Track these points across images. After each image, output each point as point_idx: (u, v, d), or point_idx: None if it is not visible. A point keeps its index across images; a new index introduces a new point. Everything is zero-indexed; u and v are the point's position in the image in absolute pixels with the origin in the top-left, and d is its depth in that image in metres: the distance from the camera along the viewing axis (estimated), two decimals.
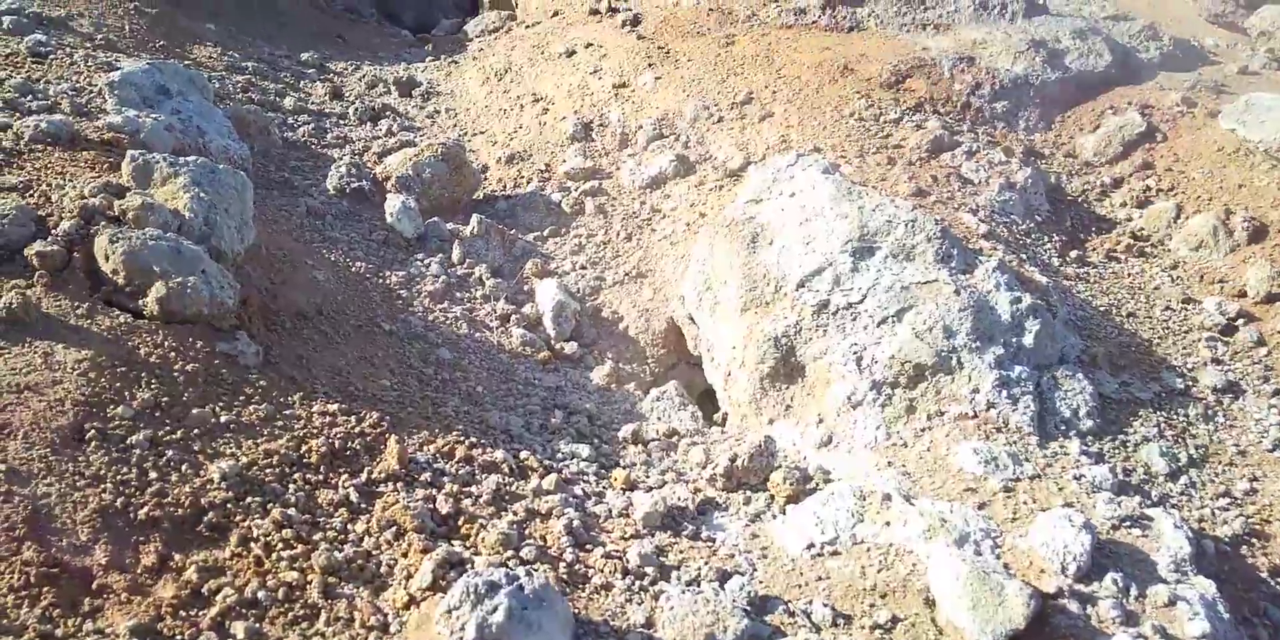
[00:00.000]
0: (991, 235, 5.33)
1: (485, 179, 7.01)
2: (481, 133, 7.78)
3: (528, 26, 9.76)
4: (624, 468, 4.19)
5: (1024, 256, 5.31)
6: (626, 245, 6.16)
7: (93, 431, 2.97)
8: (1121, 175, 6.50)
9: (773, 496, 4.01)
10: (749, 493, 4.05)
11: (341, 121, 7.81)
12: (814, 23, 7.97)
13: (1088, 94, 7.27)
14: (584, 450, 4.19)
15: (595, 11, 9.06)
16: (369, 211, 6.21)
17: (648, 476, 4.15)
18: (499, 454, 3.77)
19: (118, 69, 6.09)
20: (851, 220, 4.68)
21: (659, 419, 4.81)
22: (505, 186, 6.95)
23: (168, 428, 3.16)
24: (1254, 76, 7.65)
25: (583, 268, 6.00)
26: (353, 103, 8.17)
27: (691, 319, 5.43)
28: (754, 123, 6.82)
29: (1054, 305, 4.77)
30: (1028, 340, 4.35)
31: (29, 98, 5.20)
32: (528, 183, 6.92)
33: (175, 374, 3.41)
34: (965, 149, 6.16)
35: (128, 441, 3.01)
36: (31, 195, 4.05)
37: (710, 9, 8.35)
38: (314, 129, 7.40)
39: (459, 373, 4.64)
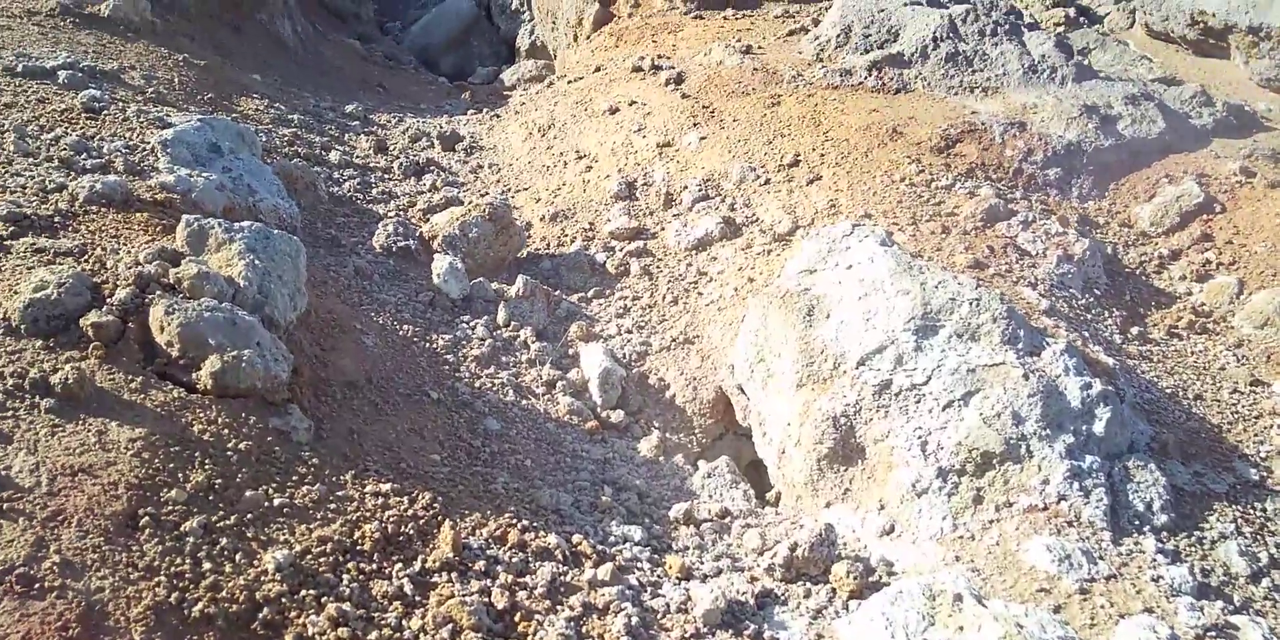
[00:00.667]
0: (1053, 311, 5.19)
1: (529, 237, 6.97)
2: (525, 189, 7.76)
3: (570, 82, 9.82)
4: (678, 552, 4.04)
5: (1086, 334, 5.17)
6: (673, 309, 6.07)
7: (146, 518, 2.87)
8: (1180, 247, 6.37)
9: (835, 590, 3.84)
10: (809, 584, 3.88)
11: (386, 176, 7.83)
12: (860, 84, 7.95)
13: (1141, 161, 7.16)
14: (636, 533, 4.04)
15: (638, 69, 9.10)
16: (415, 270, 6.16)
17: (702, 563, 3.99)
18: (552, 539, 3.64)
19: (169, 125, 6.14)
20: (914, 297, 4.57)
21: (710, 497, 4.66)
22: (549, 245, 6.90)
23: (221, 512, 3.06)
24: None
25: (628, 332, 5.90)
26: (397, 157, 8.20)
27: (741, 389, 5.31)
28: (801, 186, 6.76)
29: (1122, 389, 4.61)
30: (1098, 428, 4.19)
31: (84, 156, 5.21)
32: (571, 241, 6.87)
33: (228, 453, 3.32)
34: (1021, 218, 6.06)
35: (181, 528, 2.91)
36: (86, 261, 4.02)
37: (755, 69, 8.37)
38: (359, 184, 7.42)
39: (507, 444, 4.53)
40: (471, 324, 5.65)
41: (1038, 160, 6.92)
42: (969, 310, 4.51)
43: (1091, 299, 5.69)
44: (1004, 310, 4.49)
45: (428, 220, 7.00)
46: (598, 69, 9.97)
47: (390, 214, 7.09)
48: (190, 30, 9.21)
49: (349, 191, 7.27)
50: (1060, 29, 10.55)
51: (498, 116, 9.66)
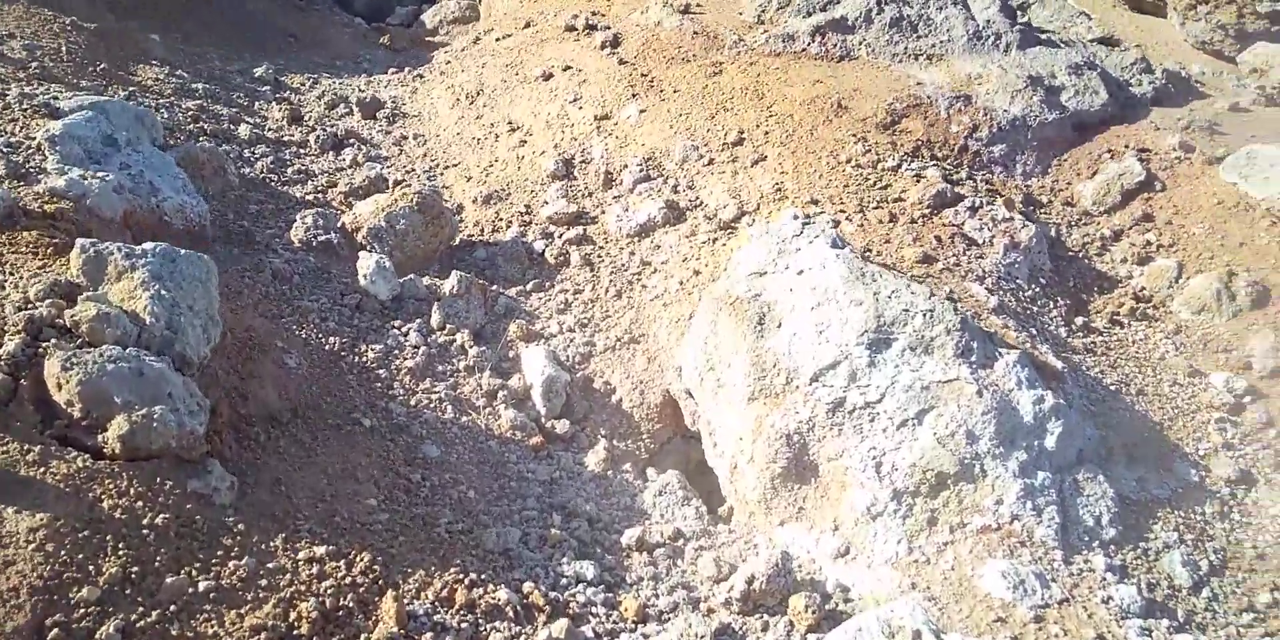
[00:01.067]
0: (1001, 309, 5.13)
1: (461, 221, 6.61)
2: (454, 165, 7.35)
3: (498, 39, 9.26)
4: (632, 587, 3.94)
5: (1033, 330, 5.13)
6: (616, 304, 5.85)
7: (56, 630, 2.61)
8: (1121, 226, 6.34)
9: (792, 622, 3.79)
10: (767, 616, 3.83)
11: (302, 151, 7.32)
12: (803, 51, 7.64)
13: (1084, 134, 7.08)
14: (589, 570, 3.92)
15: (571, 28, 8.61)
16: (338, 266, 5.79)
17: (658, 597, 3.90)
18: (502, 594, 3.48)
19: (58, 112, 5.57)
20: (866, 308, 4.43)
21: (662, 517, 4.55)
22: (483, 230, 6.56)
23: (141, 609, 2.81)
24: (1245, 114, 7.52)
25: (570, 330, 5.67)
26: (313, 128, 7.67)
27: (689, 394, 5.17)
28: (746, 167, 6.51)
29: (1070, 394, 4.59)
30: (1050, 443, 4.17)
31: None
32: (507, 227, 6.55)
33: (144, 531, 3.05)
34: (967, 204, 5.94)
35: (96, 636, 2.66)
36: None
37: (695, 32, 7.97)
38: (273, 162, 6.92)
39: (448, 474, 4.32)
40: (404, 329, 5.35)
41: (983, 137, 6.77)
42: (922, 322, 4.39)
43: (1037, 289, 5.65)
44: (957, 321, 4.39)
45: (350, 205, 6.59)
46: (528, 24, 9.41)
47: (308, 196, 6.65)
48: None
49: (262, 172, 6.77)
50: None
51: (421, 77, 9.09)
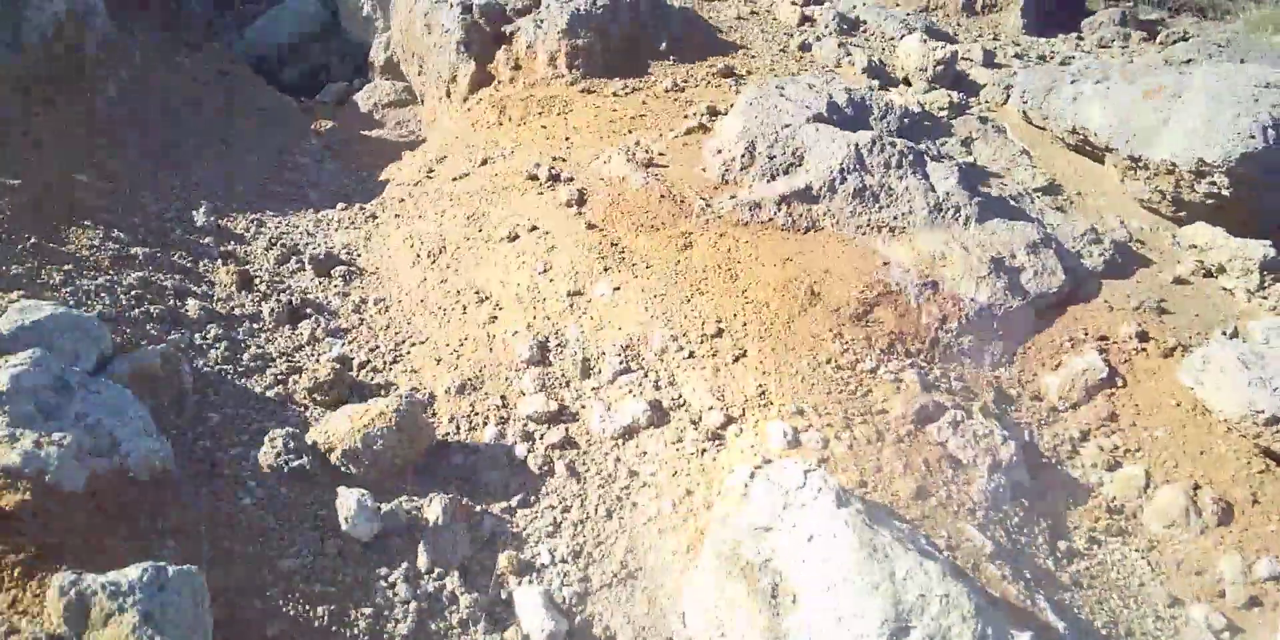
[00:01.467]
0: (998, 554, 5.21)
1: (434, 415, 6.36)
2: (421, 342, 7.07)
3: (455, 179, 9.00)
4: None
5: (1027, 574, 5.22)
6: (608, 526, 5.70)
7: None
8: (1088, 426, 6.55)
9: None
10: None
11: (256, 327, 6.93)
12: (770, 220, 7.68)
13: (1044, 318, 7.32)
14: None
15: (534, 177, 8.44)
16: (313, 494, 5.47)
17: None
18: None
19: None
20: (883, 594, 4.42)
21: None
22: (458, 427, 6.32)
23: None
24: (1187, 287, 7.91)
25: (564, 560, 5.49)
26: (266, 295, 7.28)
27: None
28: (727, 363, 6.47)
29: None
30: None
31: None
32: (485, 424, 6.32)
33: None
34: (949, 419, 6.03)
35: None
36: None
37: (661, 195, 7.91)
38: (228, 348, 6.52)
39: None
40: (390, 580, 5.07)
41: (953, 328, 6.92)
42: (939, 609, 4.40)
43: (1020, 513, 5.76)
44: (972, 608, 4.41)
45: (315, 401, 6.28)
46: (484, 161, 9.20)
47: (269, 391, 6.28)
48: None
49: (217, 363, 6.37)
50: (944, 114, 10.62)
51: (374, 218, 8.76)
